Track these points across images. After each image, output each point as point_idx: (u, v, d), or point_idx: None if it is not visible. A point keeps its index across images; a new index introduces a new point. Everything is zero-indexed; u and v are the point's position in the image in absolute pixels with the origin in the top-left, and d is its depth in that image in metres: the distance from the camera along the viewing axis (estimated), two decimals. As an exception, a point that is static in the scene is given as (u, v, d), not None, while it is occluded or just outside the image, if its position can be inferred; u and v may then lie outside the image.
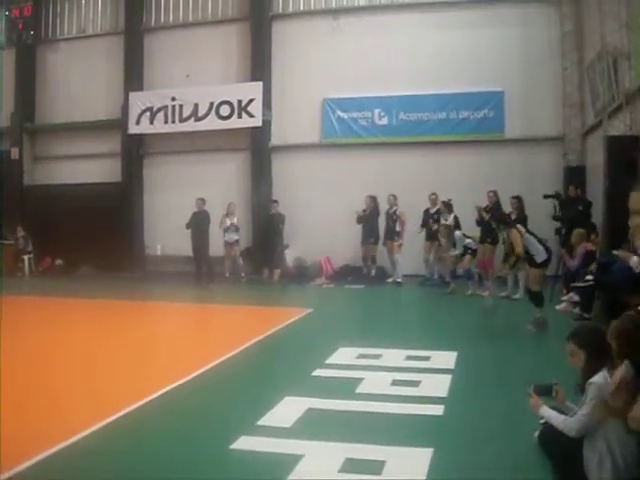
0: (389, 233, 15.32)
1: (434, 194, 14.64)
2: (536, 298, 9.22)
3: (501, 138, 16.40)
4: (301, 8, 18.06)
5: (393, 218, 15.22)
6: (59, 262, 18.73)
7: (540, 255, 9.09)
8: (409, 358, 7.38)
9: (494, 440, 4.80)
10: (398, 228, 15.19)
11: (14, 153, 19.83)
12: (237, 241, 16.38)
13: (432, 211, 14.78)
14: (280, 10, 18.14)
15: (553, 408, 4.21)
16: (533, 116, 16.16)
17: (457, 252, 13.12)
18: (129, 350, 8.45)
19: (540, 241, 9.26)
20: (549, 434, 4.16)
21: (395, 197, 15.27)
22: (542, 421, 4.29)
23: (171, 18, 19.10)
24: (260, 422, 5.19)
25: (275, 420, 5.25)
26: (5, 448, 4.20)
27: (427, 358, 7.37)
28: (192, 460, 4.47)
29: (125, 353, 8.24)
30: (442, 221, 13.93)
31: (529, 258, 9.14)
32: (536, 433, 4.38)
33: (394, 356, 7.49)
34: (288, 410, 5.49)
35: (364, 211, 15.39)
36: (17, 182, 19.78)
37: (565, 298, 10.86)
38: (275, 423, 5.18)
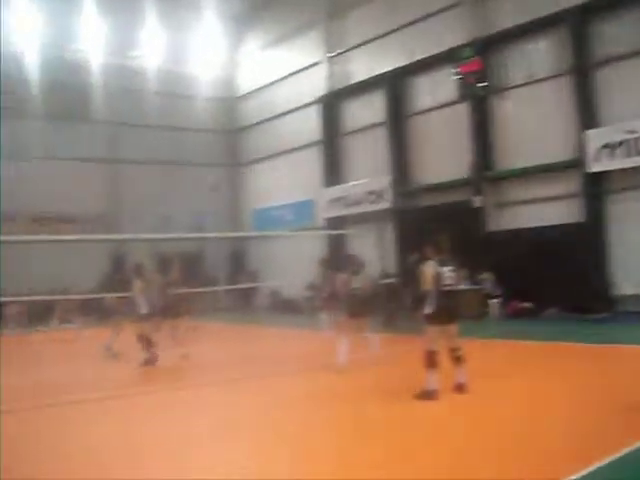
0: None
1: None
2: None
3: None
4: None
5: None
6: (527, 305, 19.07)
7: None
8: None
9: None
10: None
11: (477, 201, 21.13)
12: None
13: None
14: None
15: None
16: None
17: None
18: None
19: None
20: None
21: None
22: None
23: (625, 49, 18.17)
24: None
25: None
26: None
27: None
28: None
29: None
30: None
31: None
32: None
33: None
34: None
35: None
36: (481, 229, 21.06)
37: None
38: None
